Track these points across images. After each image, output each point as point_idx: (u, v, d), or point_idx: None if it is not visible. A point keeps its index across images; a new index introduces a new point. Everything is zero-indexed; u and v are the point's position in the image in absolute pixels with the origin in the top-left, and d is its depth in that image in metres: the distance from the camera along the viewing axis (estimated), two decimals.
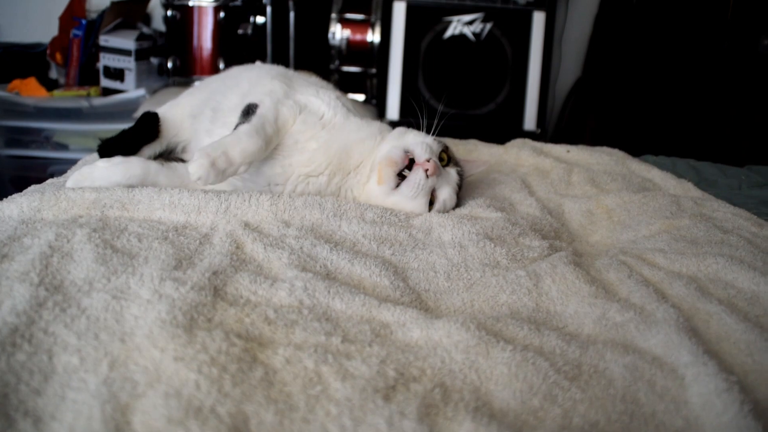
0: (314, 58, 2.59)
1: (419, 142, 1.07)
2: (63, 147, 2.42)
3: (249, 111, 1.06)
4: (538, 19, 2.62)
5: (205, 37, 2.51)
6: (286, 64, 2.56)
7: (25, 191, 1.01)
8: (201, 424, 0.50)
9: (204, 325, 0.64)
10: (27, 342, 0.60)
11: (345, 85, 2.59)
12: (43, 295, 0.68)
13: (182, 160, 1.18)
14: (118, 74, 2.50)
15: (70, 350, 0.60)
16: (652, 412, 0.58)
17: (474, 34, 2.60)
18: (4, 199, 0.96)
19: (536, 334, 0.68)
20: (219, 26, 2.50)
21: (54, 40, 2.67)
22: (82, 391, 0.54)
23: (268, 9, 2.52)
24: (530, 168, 1.44)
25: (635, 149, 1.72)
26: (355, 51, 2.59)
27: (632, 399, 0.60)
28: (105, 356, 0.59)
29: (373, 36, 2.59)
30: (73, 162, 1.38)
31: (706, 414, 0.58)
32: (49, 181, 1.12)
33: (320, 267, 0.82)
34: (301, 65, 2.56)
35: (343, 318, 0.70)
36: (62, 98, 2.42)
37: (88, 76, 2.60)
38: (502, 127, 2.57)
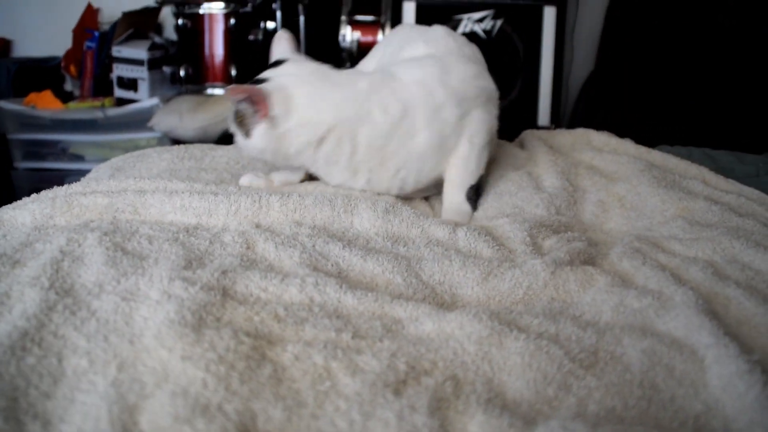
0: (325, 60, 2.59)
1: None
2: (79, 158, 2.44)
3: None
4: (549, 14, 2.60)
5: (216, 44, 2.51)
6: None
7: (34, 197, 1.02)
8: (207, 421, 0.49)
9: (213, 324, 0.64)
10: (37, 346, 0.60)
11: None
12: (54, 299, 0.68)
13: None
14: (131, 84, 2.51)
15: (79, 353, 0.60)
16: (671, 397, 0.57)
17: (485, 31, 2.58)
18: (17, 205, 0.97)
19: (551, 322, 0.67)
20: (230, 33, 2.50)
21: (68, 53, 2.69)
22: (90, 393, 0.54)
23: (278, 14, 2.53)
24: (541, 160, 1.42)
25: (651, 141, 1.70)
26: (366, 52, 2.58)
27: (650, 384, 0.58)
28: (114, 358, 0.59)
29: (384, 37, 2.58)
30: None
31: (728, 396, 0.56)
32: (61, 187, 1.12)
33: (332, 265, 0.81)
34: None
35: (355, 314, 0.69)
36: (77, 110, 2.43)
37: (102, 87, 2.62)
38: (515, 124, 2.55)
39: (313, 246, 0.86)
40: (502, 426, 0.50)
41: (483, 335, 0.63)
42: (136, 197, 0.98)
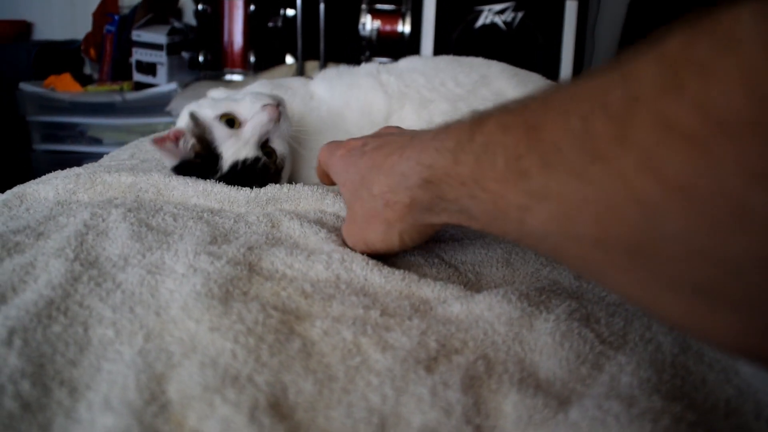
0: (345, 49, 2.58)
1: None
2: (97, 141, 2.45)
3: None
4: (571, 8, 2.58)
5: (235, 30, 2.51)
6: (317, 57, 2.56)
7: (58, 173, 1.02)
8: (238, 392, 0.48)
9: (240, 297, 0.63)
10: (63, 314, 0.60)
11: None
12: (79, 270, 0.68)
13: None
14: (150, 68, 2.52)
15: (105, 323, 0.59)
16: (702, 379, 0.56)
17: (505, 23, 2.57)
18: (40, 180, 0.97)
19: (579, 304, 0.66)
20: (249, 19, 2.50)
21: (88, 36, 2.70)
22: (117, 362, 0.54)
23: (298, 1, 2.52)
24: None
25: None
26: (386, 41, 2.57)
27: (682, 366, 0.57)
28: (140, 329, 0.58)
29: (404, 26, 2.57)
30: None
31: (759, 382, 0.55)
32: (85, 165, 1.12)
33: None
34: (331, 57, 2.55)
35: (382, 293, 0.68)
36: (96, 93, 2.44)
37: (121, 71, 2.63)
38: None
39: (337, 226, 0.85)
40: (537, 406, 0.49)
41: (513, 316, 0.62)
42: (159, 178, 0.98)
